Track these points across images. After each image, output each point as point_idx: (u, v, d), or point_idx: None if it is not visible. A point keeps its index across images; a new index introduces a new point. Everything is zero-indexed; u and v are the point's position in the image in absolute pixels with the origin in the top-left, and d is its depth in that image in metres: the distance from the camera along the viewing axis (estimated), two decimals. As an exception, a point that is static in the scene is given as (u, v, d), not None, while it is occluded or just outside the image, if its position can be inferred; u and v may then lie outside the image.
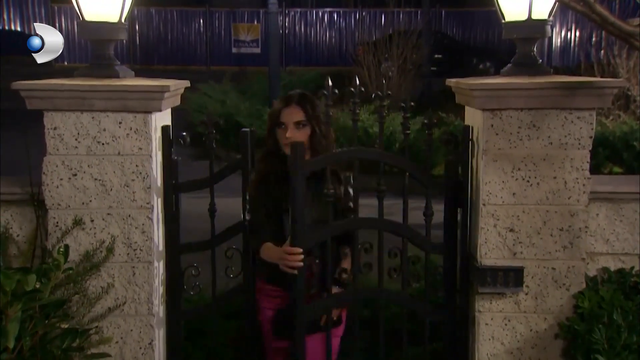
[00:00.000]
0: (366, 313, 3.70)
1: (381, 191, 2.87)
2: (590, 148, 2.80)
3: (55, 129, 2.75)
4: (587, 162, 2.81)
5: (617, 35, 2.37)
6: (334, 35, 23.74)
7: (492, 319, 2.89)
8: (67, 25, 23.07)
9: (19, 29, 22.90)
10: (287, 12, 23.30)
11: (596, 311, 2.69)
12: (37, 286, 2.21)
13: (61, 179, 2.77)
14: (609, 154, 8.15)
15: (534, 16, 2.87)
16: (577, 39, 19.25)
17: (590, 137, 2.79)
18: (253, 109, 11.09)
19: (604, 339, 2.53)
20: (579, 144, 2.79)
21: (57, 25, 22.92)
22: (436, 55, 16.35)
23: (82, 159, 2.76)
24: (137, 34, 23.04)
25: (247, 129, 3.00)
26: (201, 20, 23.62)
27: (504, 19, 2.98)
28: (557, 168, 2.81)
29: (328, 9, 23.76)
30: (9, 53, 15.45)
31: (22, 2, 22.86)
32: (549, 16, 2.89)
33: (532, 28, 2.90)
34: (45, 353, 2.19)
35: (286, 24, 23.38)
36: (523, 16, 2.89)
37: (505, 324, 2.90)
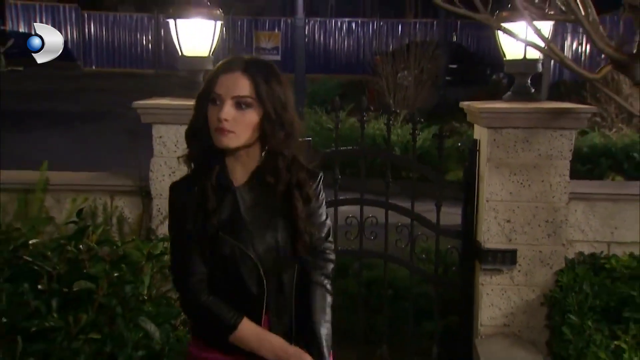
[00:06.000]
0: (390, 292, 4.49)
1: (388, 180, 3.70)
2: (570, 159, 3.59)
3: (160, 137, 3.59)
4: (568, 169, 3.59)
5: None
6: (352, 44, 24.44)
7: (492, 290, 3.69)
8: (96, 31, 24.12)
9: (51, 34, 23.85)
10: (307, 21, 24.06)
11: (571, 284, 3.49)
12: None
13: (163, 175, 3.61)
14: (611, 164, 8.78)
15: (528, 56, 3.66)
16: (587, 53, 19.87)
17: (570, 150, 3.59)
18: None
19: (575, 303, 3.33)
20: (562, 155, 3.59)
21: (86, 30, 24.07)
22: (451, 66, 16.92)
23: (180, 160, 3.59)
24: (163, 41, 23.86)
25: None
26: (224, 29, 24.39)
27: (505, 57, 3.79)
28: (545, 174, 3.59)
29: (347, 19, 24.51)
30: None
31: (54, 9, 23.90)
32: (540, 56, 3.70)
33: (527, 65, 3.70)
34: (167, 300, 3.03)
35: (306, 32, 24.17)
36: (519, 55, 3.69)
37: (502, 294, 3.69)
